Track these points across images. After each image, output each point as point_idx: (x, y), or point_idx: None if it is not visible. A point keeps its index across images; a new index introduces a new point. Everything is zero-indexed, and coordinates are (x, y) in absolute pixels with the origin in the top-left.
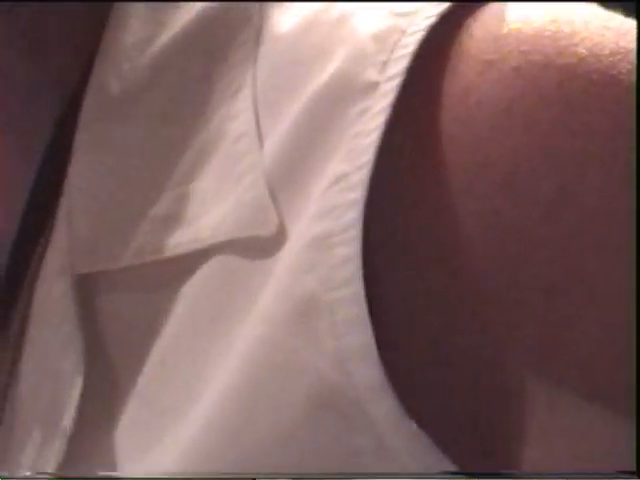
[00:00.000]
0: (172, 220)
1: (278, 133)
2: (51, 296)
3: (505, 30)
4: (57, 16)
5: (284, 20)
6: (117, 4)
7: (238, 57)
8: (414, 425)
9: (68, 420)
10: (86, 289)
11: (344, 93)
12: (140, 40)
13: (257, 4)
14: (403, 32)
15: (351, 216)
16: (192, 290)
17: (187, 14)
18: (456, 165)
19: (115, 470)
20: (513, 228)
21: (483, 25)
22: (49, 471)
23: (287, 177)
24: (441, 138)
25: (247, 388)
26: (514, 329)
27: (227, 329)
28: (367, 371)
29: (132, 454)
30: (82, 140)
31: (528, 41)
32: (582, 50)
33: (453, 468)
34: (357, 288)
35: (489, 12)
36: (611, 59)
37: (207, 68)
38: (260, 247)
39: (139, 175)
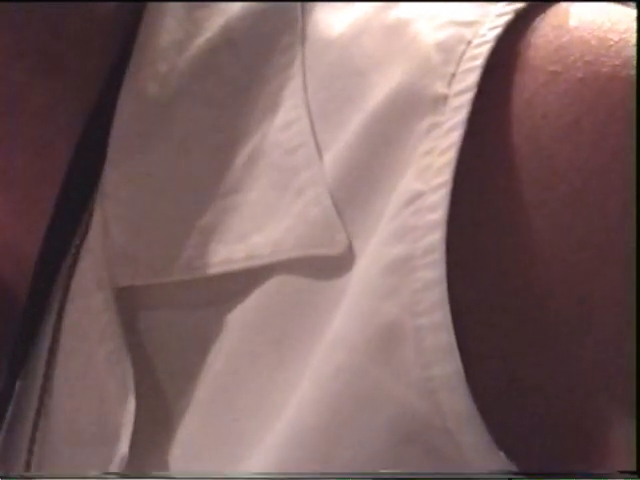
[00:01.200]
0: (221, 233)
1: (338, 147)
2: (90, 310)
3: (567, 38)
4: (72, 24)
5: (332, 22)
6: (150, 5)
7: (283, 61)
8: (503, 456)
9: (125, 444)
10: (127, 303)
11: (410, 106)
12: (177, 40)
13: (298, 4)
14: (469, 43)
15: (433, 238)
16: (251, 310)
17: (225, 13)
18: (525, 181)
19: None
20: (582, 243)
21: (544, 34)
22: None
23: (351, 193)
24: (509, 153)
25: (326, 420)
26: (582, 348)
27: (296, 353)
28: (456, 401)
29: None
30: (116, 146)
31: (592, 51)
32: None
33: None
34: (444, 313)
35: (548, 20)
36: None
37: (250, 72)
38: (327, 266)
39: (180, 183)
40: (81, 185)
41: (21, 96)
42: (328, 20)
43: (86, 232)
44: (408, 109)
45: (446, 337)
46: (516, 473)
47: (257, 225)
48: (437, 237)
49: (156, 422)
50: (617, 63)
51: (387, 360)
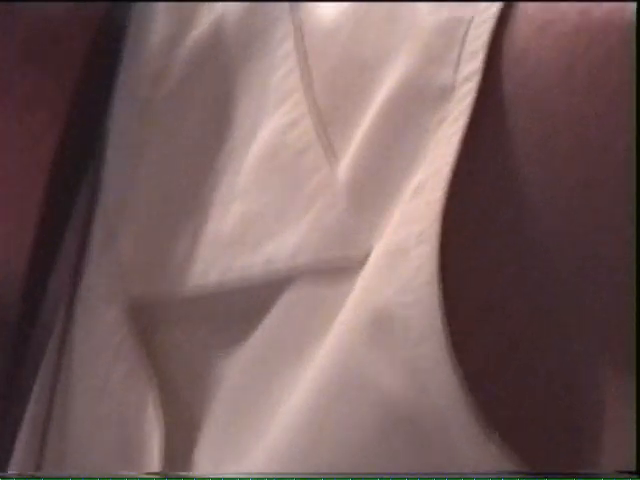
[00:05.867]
0: (235, 242)
1: (352, 147)
2: (101, 328)
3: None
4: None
5: (325, 12)
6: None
7: (280, 54)
8: (495, 436)
9: (156, 462)
10: (140, 320)
11: (417, 100)
12: (168, 37)
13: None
14: (469, 22)
15: (427, 220)
16: (267, 325)
17: (214, 9)
18: (519, 130)
19: None
20: (582, 196)
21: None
22: None
23: (366, 195)
24: (502, 104)
25: (315, 401)
26: (580, 310)
27: (309, 357)
28: (443, 380)
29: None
30: (114, 152)
31: (585, 3)
32: None
33: None
34: (432, 292)
35: None
36: None
37: (245, 67)
38: (344, 270)
39: (185, 188)
40: (67, 187)
41: (9, 82)
42: (320, 10)
43: (82, 244)
44: (415, 103)
45: (433, 315)
46: (515, 472)
47: (271, 232)
48: (432, 218)
49: (182, 435)
50: (611, 10)
51: (376, 342)
